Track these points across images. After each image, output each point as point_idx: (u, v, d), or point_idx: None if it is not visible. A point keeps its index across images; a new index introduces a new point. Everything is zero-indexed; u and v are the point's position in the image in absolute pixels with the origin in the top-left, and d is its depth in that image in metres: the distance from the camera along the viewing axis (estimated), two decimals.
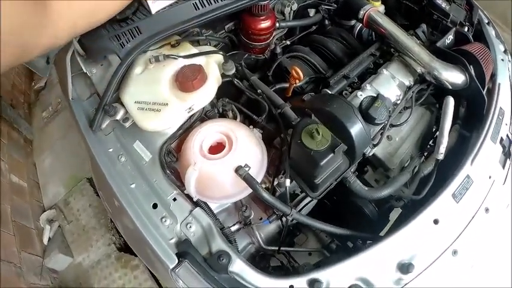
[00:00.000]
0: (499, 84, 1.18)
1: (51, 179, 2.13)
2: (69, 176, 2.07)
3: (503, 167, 1.08)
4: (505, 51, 1.32)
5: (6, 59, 0.55)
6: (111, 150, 0.94)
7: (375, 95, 0.97)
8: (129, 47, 0.95)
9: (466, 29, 1.23)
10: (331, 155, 0.80)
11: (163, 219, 0.85)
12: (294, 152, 0.83)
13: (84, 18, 0.73)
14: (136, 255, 1.37)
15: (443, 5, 1.21)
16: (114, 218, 1.15)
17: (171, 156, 0.90)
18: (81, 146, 1.10)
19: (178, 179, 0.88)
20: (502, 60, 1.26)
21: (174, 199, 0.86)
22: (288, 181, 0.85)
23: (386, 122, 0.97)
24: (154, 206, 0.87)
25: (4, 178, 1.82)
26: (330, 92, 0.99)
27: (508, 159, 1.10)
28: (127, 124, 0.92)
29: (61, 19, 0.64)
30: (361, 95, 0.98)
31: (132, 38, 0.95)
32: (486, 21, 1.36)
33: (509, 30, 1.87)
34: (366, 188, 0.93)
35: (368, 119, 0.92)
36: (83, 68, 1.02)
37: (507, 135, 1.12)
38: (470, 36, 1.19)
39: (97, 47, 0.99)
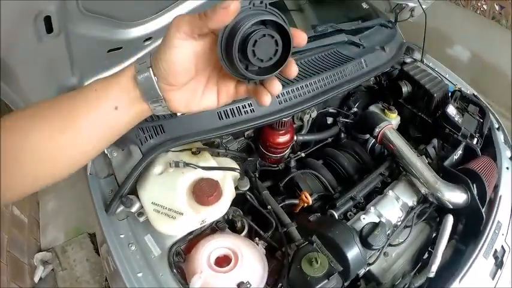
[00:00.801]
0: (500, 196, 1.32)
1: (52, 222, 2.29)
2: (71, 226, 2.23)
3: (493, 277, 1.21)
4: (511, 158, 1.47)
5: None
6: (122, 236, 1.08)
7: (378, 219, 1.12)
8: (151, 143, 1.10)
9: (475, 140, 1.38)
10: (326, 281, 0.95)
11: None
12: (293, 274, 0.99)
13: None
14: None
15: (456, 118, 1.36)
16: (110, 280, 1.29)
17: (179, 257, 1.04)
18: (88, 201, 1.24)
19: (183, 278, 1.03)
20: (507, 168, 1.42)
21: None
22: None
23: (384, 245, 1.12)
24: None
25: (6, 209, 1.97)
26: (335, 214, 1.15)
27: (499, 270, 1.23)
28: (141, 219, 1.06)
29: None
30: (364, 218, 1.14)
31: (156, 135, 1.11)
32: (496, 126, 1.52)
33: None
34: None
35: (366, 245, 1.07)
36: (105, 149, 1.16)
37: (502, 246, 1.26)
38: (478, 150, 1.35)
39: None
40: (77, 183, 2.30)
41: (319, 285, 0.95)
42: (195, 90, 0.58)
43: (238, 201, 1.13)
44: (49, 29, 0.74)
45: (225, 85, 0.59)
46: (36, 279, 2.00)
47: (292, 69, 0.55)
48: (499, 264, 1.23)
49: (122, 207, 1.11)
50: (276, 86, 0.56)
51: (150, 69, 0.53)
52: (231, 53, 0.49)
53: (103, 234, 1.12)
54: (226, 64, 0.52)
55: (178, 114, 1.10)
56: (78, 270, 2.04)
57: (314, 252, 0.98)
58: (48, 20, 0.71)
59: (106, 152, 1.17)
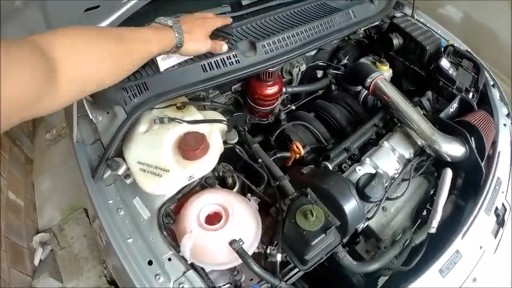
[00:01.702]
0: (499, 152, 1.24)
1: (48, 202, 2.20)
2: (66, 204, 2.14)
3: (495, 236, 1.14)
4: (507, 115, 1.39)
5: (7, 124, 0.55)
6: (111, 201, 1.00)
7: (374, 171, 1.02)
8: (135, 102, 1.00)
9: (471, 95, 1.28)
10: (323, 235, 0.86)
11: (157, 277, 0.90)
12: (288, 229, 0.90)
13: (92, 85, 0.74)
14: None
15: (450, 71, 1.27)
16: (105, 255, 1.21)
17: (169, 218, 0.96)
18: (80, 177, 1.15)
19: (174, 240, 0.94)
20: (504, 125, 1.34)
21: (169, 259, 0.92)
22: (279, 255, 0.91)
23: (382, 198, 1.02)
24: (150, 262, 0.92)
25: (2, 194, 1.88)
26: (329, 166, 1.05)
27: (501, 228, 1.16)
28: (128, 181, 0.98)
29: (70, 88, 0.65)
30: (359, 169, 1.05)
31: (139, 94, 1.01)
32: (492, 83, 1.43)
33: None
34: (355, 263, 0.98)
35: (364, 197, 0.98)
36: (89, 113, 1.07)
37: (502, 204, 1.18)
38: (475, 104, 1.25)
39: (104, 96, 1.04)
40: (69, 161, 2.26)
41: (316, 240, 0.85)
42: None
43: (228, 157, 1.03)
44: None
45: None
46: (36, 261, 1.93)
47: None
48: (500, 222, 1.16)
49: (108, 172, 1.02)
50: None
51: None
52: None
53: (91, 201, 1.04)
54: None
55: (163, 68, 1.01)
56: (76, 248, 1.96)
57: (309, 204, 0.88)
58: None
59: (91, 117, 1.08)
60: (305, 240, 0.85)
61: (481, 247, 1.07)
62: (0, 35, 0.85)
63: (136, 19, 1.01)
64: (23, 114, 0.57)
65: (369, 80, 1.15)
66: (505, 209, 1.19)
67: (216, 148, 0.95)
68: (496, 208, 1.14)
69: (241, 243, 0.86)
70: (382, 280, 1.18)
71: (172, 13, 1.12)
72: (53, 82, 0.59)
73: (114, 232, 0.96)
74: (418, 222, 1.16)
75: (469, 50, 1.43)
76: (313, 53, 1.39)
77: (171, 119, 0.96)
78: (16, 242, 1.87)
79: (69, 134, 1.14)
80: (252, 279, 1.03)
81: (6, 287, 1.63)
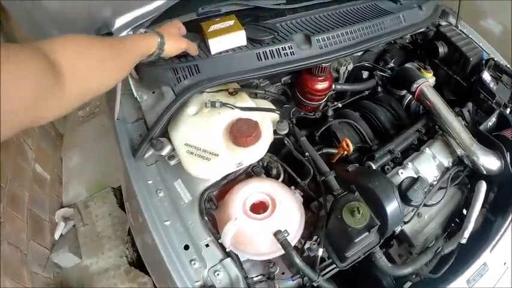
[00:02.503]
0: None
1: (75, 178, 2.23)
2: (94, 180, 2.16)
3: None
4: None
5: (9, 131, 0.55)
6: (150, 182, 1.02)
7: (415, 175, 1.07)
8: (186, 84, 1.03)
9: (508, 110, 1.33)
10: (366, 233, 0.89)
11: (193, 262, 0.93)
12: (332, 224, 0.93)
13: (94, 88, 0.76)
14: (147, 274, 1.44)
15: (491, 84, 1.31)
16: (136, 234, 1.22)
17: (211, 204, 0.98)
18: (112, 155, 1.17)
19: (214, 227, 0.97)
20: None
21: (207, 245, 0.95)
22: (321, 250, 0.94)
23: (421, 203, 1.07)
24: (186, 247, 0.95)
25: (28, 166, 1.91)
26: (373, 166, 1.09)
27: None
28: (172, 162, 1.00)
29: (75, 90, 0.67)
30: (402, 173, 1.09)
31: (190, 76, 1.04)
32: None
33: None
34: (390, 265, 1.02)
35: (405, 200, 1.03)
36: (134, 91, 1.10)
37: None
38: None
39: (152, 75, 1.08)
40: (101, 139, 2.31)
41: (360, 238, 0.88)
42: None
43: (274, 148, 1.05)
44: None
45: None
46: (57, 235, 1.96)
47: None
48: None
49: (151, 151, 1.05)
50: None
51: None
52: None
53: (130, 181, 1.05)
54: None
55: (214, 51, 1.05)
56: (99, 226, 1.99)
57: (356, 201, 0.92)
58: None
59: (136, 95, 1.10)
60: (349, 237, 0.88)
61: (505, 263, 1.10)
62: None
63: None
64: (26, 118, 0.57)
65: (415, 86, 1.18)
66: None
67: (267, 137, 0.98)
68: None
69: (286, 234, 0.89)
70: (406, 285, 1.23)
71: None
72: (57, 86, 0.61)
73: (152, 213, 0.98)
74: (448, 231, 1.21)
75: (509, 66, 1.48)
76: (360, 53, 1.42)
77: (223, 104, 0.98)
78: (38, 214, 1.90)
79: (109, 111, 1.16)
80: (283, 273, 1.07)
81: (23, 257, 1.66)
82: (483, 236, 1.16)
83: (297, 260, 0.88)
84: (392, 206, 0.97)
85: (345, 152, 1.07)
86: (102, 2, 0.95)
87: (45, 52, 0.60)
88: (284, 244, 0.88)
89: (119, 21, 1.03)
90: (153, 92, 1.09)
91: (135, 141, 1.06)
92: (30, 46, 0.60)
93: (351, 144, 1.03)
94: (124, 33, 1.05)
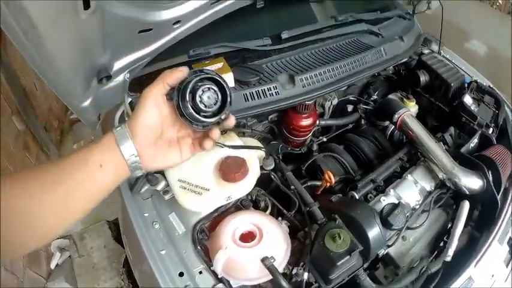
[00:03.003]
0: None
1: None
2: (89, 214, 2.28)
3: (507, 265, 1.28)
4: None
5: None
6: (146, 214, 1.15)
7: (396, 201, 1.19)
8: None
9: (491, 130, 1.45)
10: (348, 257, 1.00)
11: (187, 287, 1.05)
12: (316, 250, 1.04)
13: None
14: None
15: (472, 107, 1.44)
16: (134, 266, 1.36)
17: (204, 235, 1.11)
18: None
19: (206, 255, 1.09)
20: None
21: (200, 272, 1.05)
22: (306, 274, 1.05)
23: (403, 226, 1.19)
24: (181, 274, 1.05)
25: None
26: (356, 195, 1.21)
27: None
28: (166, 197, 1.13)
29: None
30: (383, 200, 1.20)
31: None
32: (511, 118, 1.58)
33: None
34: (374, 285, 1.13)
35: (386, 225, 1.14)
36: None
37: None
38: (494, 139, 1.42)
39: None
40: None
41: (342, 261, 0.99)
42: (162, 148, 0.76)
43: (262, 183, 1.18)
44: (86, 5, 0.81)
45: (185, 143, 0.80)
46: (53, 265, 2.08)
47: (230, 120, 0.79)
48: None
49: (147, 186, 1.18)
50: (216, 133, 0.78)
51: (127, 128, 0.71)
52: (184, 99, 0.70)
53: (127, 213, 1.20)
54: (181, 109, 0.71)
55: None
56: (95, 257, 2.11)
57: (337, 228, 1.05)
58: None
59: None
60: (331, 261, 0.99)
61: (492, 275, 1.21)
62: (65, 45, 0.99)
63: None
64: None
65: (396, 116, 1.32)
66: None
67: (254, 173, 1.10)
68: (510, 239, 1.28)
69: (272, 260, 1.01)
70: None
71: (214, 40, 1.32)
72: None
73: (148, 243, 1.10)
74: (436, 253, 1.32)
75: (491, 86, 1.60)
76: (344, 87, 1.56)
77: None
78: None
79: None
80: None
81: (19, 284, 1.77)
82: (468, 252, 1.25)
83: (283, 283, 0.99)
84: (374, 232, 1.08)
85: (328, 184, 1.20)
86: (102, 49, 1.10)
87: None
88: (271, 269, 0.99)
89: (117, 65, 1.13)
90: None
91: (132, 178, 1.21)
92: None
93: (332, 176, 1.16)
94: (121, 76, 1.19)
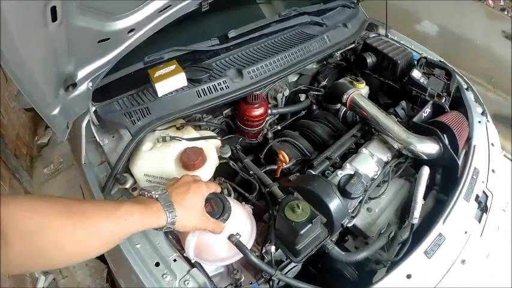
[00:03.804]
0: (474, 146, 1.55)
1: None
2: None
3: (479, 221, 1.41)
4: (482, 113, 1.70)
5: None
6: None
7: (353, 173, 1.36)
8: (139, 125, 1.33)
9: (443, 99, 1.61)
10: (310, 225, 1.12)
11: (164, 276, 1.16)
12: (279, 223, 1.18)
13: (46, 263, 0.84)
14: None
15: (422, 80, 1.61)
16: (118, 276, 1.50)
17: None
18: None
19: (178, 243, 1.24)
20: (479, 122, 1.65)
21: (175, 260, 1.18)
22: (273, 247, 1.18)
23: (363, 196, 1.34)
24: (157, 264, 1.18)
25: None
26: (313, 173, 1.36)
27: (484, 213, 1.44)
28: (135, 193, 1.28)
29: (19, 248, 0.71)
30: (340, 173, 1.34)
31: (143, 117, 1.34)
32: (465, 86, 1.76)
33: (494, 90, 2.35)
34: (343, 253, 1.24)
35: (345, 194, 1.27)
36: (97, 137, 1.39)
37: (483, 192, 1.47)
38: (447, 106, 1.57)
39: (111, 121, 1.37)
40: (68, 194, 2.59)
41: (304, 229, 1.10)
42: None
43: (225, 174, 1.34)
44: (54, 17, 0.96)
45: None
46: None
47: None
48: (483, 208, 1.44)
49: (116, 188, 1.35)
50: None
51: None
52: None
53: None
54: None
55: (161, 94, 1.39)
56: (78, 276, 2.23)
57: (295, 200, 1.21)
58: (53, 10, 0.93)
59: (98, 140, 1.39)
60: (294, 231, 1.10)
61: (466, 232, 1.33)
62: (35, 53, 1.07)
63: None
64: None
65: (345, 97, 1.49)
66: (487, 196, 1.47)
67: (212, 160, 1.26)
68: (477, 196, 1.42)
69: (238, 236, 1.15)
70: (377, 277, 1.47)
71: (166, 46, 1.53)
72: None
73: (125, 240, 1.28)
74: (405, 222, 1.48)
75: (442, 60, 1.82)
76: (295, 78, 1.76)
77: (172, 138, 1.27)
78: None
79: (76, 160, 1.48)
80: (251, 283, 1.34)
81: None
82: (437, 214, 1.37)
83: (252, 257, 1.10)
84: (334, 202, 1.21)
85: (283, 164, 1.34)
86: (67, 57, 1.21)
87: None
88: (238, 244, 1.11)
89: (81, 73, 1.29)
90: (113, 136, 1.37)
91: (102, 181, 1.33)
92: None
93: (286, 155, 1.31)
94: (85, 84, 1.32)
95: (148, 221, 0.92)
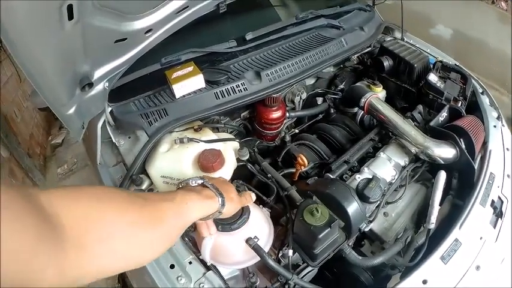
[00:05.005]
0: (490, 150, 1.55)
1: None
2: None
3: (495, 226, 1.40)
4: (498, 117, 1.70)
5: None
6: None
7: (371, 177, 1.35)
8: (156, 126, 1.33)
9: (459, 103, 1.60)
10: (328, 229, 1.11)
11: (179, 278, 1.15)
12: (297, 227, 1.18)
13: (117, 262, 0.70)
14: None
15: (438, 84, 1.60)
16: (131, 277, 1.50)
17: (190, 227, 1.26)
18: None
19: (194, 246, 1.23)
20: (495, 126, 1.65)
21: (190, 262, 1.17)
22: (291, 251, 1.18)
23: (380, 200, 1.34)
24: (172, 266, 1.17)
25: None
26: (331, 176, 1.35)
27: (499, 219, 1.43)
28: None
29: (83, 261, 0.60)
30: (359, 177, 1.33)
31: (160, 118, 1.34)
32: (480, 90, 1.76)
33: (508, 94, 2.34)
34: (360, 257, 1.24)
35: (363, 198, 1.27)
36: (112, 138, 1.39)
37: (498, 197, 1.46)
38: (463, 110, 1.57)
39: (127, 121, 1.37)
40: None
41: (323, 234, 1.10)
42: None
43: (243, 177, 1.34)
44: (70, 16, 0.97)
45: None
46: None
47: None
48: (498, 214, 1.43)
49: (132, 188, 1.35)
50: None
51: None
52: None
53: None
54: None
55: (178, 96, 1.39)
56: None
57: (314, 204, 1.21)
58: (70, 9, 0.94)
59: (114, 141, 1.39)
60: (313, 234, 1.10)
61: (481, 238, 1.32)
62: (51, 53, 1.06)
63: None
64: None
65: (363, 100, 1.48)
66: (502, 202, 1.46)
67: (230, 162, 1.25)
68: (493, 201, 1.41)
69: (256, 240, 1.15)
70: (391, 283, 1.46)
71: (183, 48, 1.53)
72: (56, 250, 0.54)
73: None
74: (421, 228, 1.47)
75: (458, 64, 1.80)
76: (312, 81, 1.76)
77: (190, 139, 1.27)
78: None
79: (91, 160, 1.48)
80: (266, 287, 1.33)
81: None
82: (453, 219, 1.37)
83: (269, 261, 1.10)
84: (352, 206, 1.20)
85: (302, 167, 1.34)
86: (83, 57, 1.20)
87: (42, 205, 0.55)
88: (255, 248, 1.10)
89: (98, 73, 1.29)
90: (129, 137, 1.37)
91: (117, 183, 1.32)
92: (22, 194, 0.53)
93: (305, 159, 1.31)
94: (101, 84, 1.33)
95: (205, 205, 0.91)
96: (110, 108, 1.39)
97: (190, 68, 1.39)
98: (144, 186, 1.30)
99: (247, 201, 1.12)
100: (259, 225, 1.21)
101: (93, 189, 0.69)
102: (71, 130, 1.27)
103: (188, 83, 1.36)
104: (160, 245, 0.78)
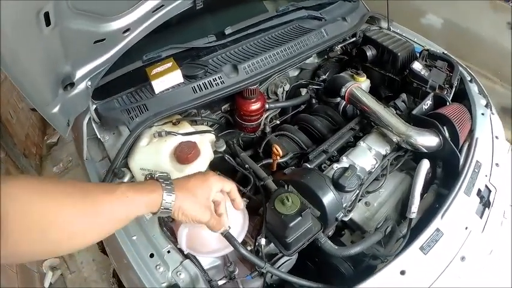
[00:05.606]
0: (477, 138, 1.52)
1: None
2: None
3: (481, 216, 1.38)
4: (486, 105, 1.66)
5: None
6: None
7: (347, 166, 1.35)
8: (137, 121, 1.37)
9: (445, 91, 1.58)
10: (299, 218, 1.12)
11: (158, 267, 1.20)
12: (269, 216, 1.19)
13: (46, 247, 0.75)
14: None
15: (423, 72, 1.58)
16: (119, 272, 1.56)
17: (168, 218, 1.31)
18: None
19: (172, 236, 1.27)
20: (482, 114, 1.62)
21: (168, 251, 1.22)
22: (263, 240, 1.20)
23: (359, 190, 1.33)
24: (151, 255, 1.22)
25: None
26: (308, 166, 1.36)
27: (486, 209, 1.40)
28: None
29: (14, 243, 0.66)
30: (336, 167, 1.34)
31: (140, 114, 1.38)
32: (469, 78, 1.73)
33: (502, 83, 2.28)
34: (336, 247, 1.24)
35: (339, 187, 1.26)
36: (98, 134, 1.45)
37: (486, 186, 1.44)
38: (448, 98, 1.55)
39: (111, 117, 1.42)
40: None
41: (294, 222, 1.11)
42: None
43: (222, 169, 1.37)
44: (48, 22, 1.03)
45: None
46: (46, 284, 2.29)
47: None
48: (486, 203, 1.40)
49: (116, 181, 1.41)
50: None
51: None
52: None
53: None
54: None
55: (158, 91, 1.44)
56: (85, 271, 2.34)
57: (286, 192, 1.22)
58: (47, 16, 1.00)
59: (99, 137, 1.45)
60: (284, 224, 1.11)
61: (466, 227, 1.30)
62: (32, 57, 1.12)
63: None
64: None
65: (343, 90, 1.49)
66: (490, 191, 1.43)
67: (206, 153, 1.29)
68: (479, 190, 1.39)
69: (228, 228, 1.20)
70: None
71: (165, 44, 1.57)
72: None
73: (120, 231, 1.28)
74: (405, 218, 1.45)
75: (445, 52, 1.78)
76: (296, 73, 1.78)
77: (168, 133, 1.31)
78: (26, 265, 2.23)
79: (79, 156, 1.55)
80: (247, 276, 1.35)
81: None
82: (436, 208, 1.35)
83: (241, 249, 1.11)
84: (327, 195, 1.20)
85: (278, 157, 1.36)
86: (64, 59, 1.27)
87: None
88: (227, 236, 1.11)
89: (79, 73, 1.34)
90: (114, 133, 1.43)
91: (102, 176, 1.37)
92: None
93: (279, 149, 1.33)
94: (83, 84, 1.37)
95: (149, 199, 0.89)
96: (94, 106, 1.44)
97: (169, 64, 1.43)
98: (126, 179, 1.35)
99: (215, 225, 1.06)
100: (233, 215, 1.24)
101: (40, 182, 0.75)
102: (56, 128, 1.33)
103: (167, 79, 1.40)
104: (93, 236, 0.82)
